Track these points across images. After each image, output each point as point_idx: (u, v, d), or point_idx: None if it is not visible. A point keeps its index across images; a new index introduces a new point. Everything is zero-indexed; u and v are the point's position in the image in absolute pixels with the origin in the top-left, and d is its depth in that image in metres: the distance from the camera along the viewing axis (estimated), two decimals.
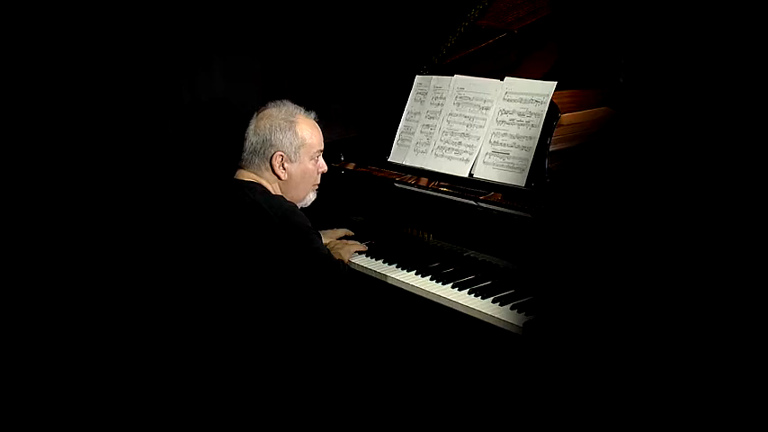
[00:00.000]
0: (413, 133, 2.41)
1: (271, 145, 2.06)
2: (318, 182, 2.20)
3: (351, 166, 2.51)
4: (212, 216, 2.07)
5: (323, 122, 2.19)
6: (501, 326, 1.81)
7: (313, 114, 2.17)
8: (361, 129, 2.86)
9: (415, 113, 2.43)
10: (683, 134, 1.63)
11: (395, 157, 2.44)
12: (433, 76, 2.42)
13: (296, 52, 2.96)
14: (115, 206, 2.58)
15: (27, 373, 2.43)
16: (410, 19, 2.97)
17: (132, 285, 2.61)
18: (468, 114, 2.25)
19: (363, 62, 3.08)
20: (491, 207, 2.00)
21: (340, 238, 2.39)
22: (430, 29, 2.69)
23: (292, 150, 2.08)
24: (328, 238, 2.34)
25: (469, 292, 1.95)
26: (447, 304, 1.95)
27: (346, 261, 2.21)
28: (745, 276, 1.47)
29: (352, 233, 2.43)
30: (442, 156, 2.27)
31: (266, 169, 2.08)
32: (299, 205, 2.13)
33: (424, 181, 2.24)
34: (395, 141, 2.46)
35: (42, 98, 2.41)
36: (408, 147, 2.40)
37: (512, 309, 1.84)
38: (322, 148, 2.16)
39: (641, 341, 1.59)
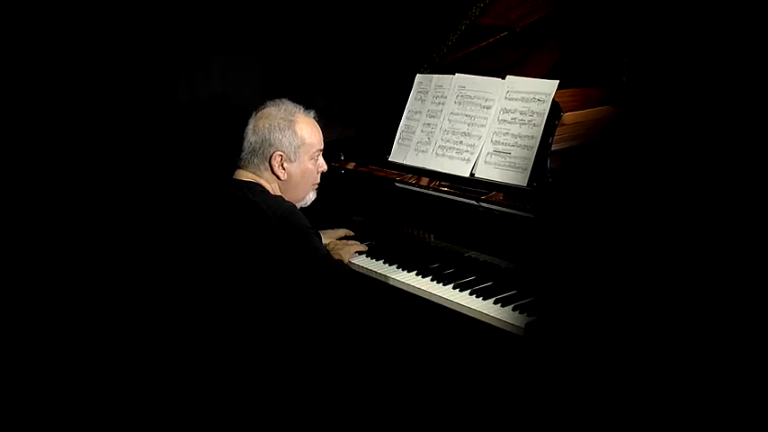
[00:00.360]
0: (413, 132, 2.39)
1: (270, 144, 2.04)
2: (318, 181, 2.18)
3: (351, 165, 2.50)
4: (211, 216, 2.06)
5: (323, 121, 2.17)
6: (502, 327, 1.80)
7: (312, 113, 2.15)
8: (361, 128, 2.84)
9: (416, 112, 2.41)
10: (688, 134, 1.61)
11: (395, 156, 2.43)
12: (434, 75, 2.41)
13: (295, 51, 2.95)
14: (113, 206, 2.57)
15: (28, 374, 2.42)
16: (411, 17, 2.96)
17: (130, 286, 2.60)
18: (469, 113, 2.23)
19: (364, 60, 3.07)
20: (492, 207, 1.98)
21: (340, 239, 2.37)
22: (431, 27, 2.67)
23: (292, 150, 2.06)
24: (328, 238, 2.32)
25: (471, 293, 1.94)
26: (448, 305, 1.94)
27: (346, 261, 2.20)
28: (747, 277, 1.46)
29: (352, 233, 2.41)
30: (443, 155, 2.26)
31: (265, 169, 2.06)
32: (299, 205, 2.12)
33: (424, 180, 2.23)
34: (395, 141, 2.45)
35: (40, 97, 2.40)
36: (409, 146, 2.38)
37: (513, 310, 1.83)
38: (322, 147, 2.15)
39: (643, 342, 1.58)
